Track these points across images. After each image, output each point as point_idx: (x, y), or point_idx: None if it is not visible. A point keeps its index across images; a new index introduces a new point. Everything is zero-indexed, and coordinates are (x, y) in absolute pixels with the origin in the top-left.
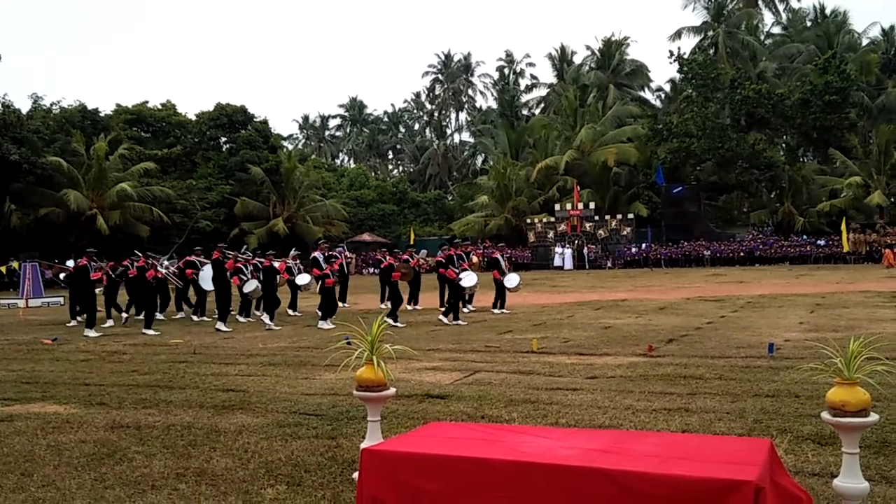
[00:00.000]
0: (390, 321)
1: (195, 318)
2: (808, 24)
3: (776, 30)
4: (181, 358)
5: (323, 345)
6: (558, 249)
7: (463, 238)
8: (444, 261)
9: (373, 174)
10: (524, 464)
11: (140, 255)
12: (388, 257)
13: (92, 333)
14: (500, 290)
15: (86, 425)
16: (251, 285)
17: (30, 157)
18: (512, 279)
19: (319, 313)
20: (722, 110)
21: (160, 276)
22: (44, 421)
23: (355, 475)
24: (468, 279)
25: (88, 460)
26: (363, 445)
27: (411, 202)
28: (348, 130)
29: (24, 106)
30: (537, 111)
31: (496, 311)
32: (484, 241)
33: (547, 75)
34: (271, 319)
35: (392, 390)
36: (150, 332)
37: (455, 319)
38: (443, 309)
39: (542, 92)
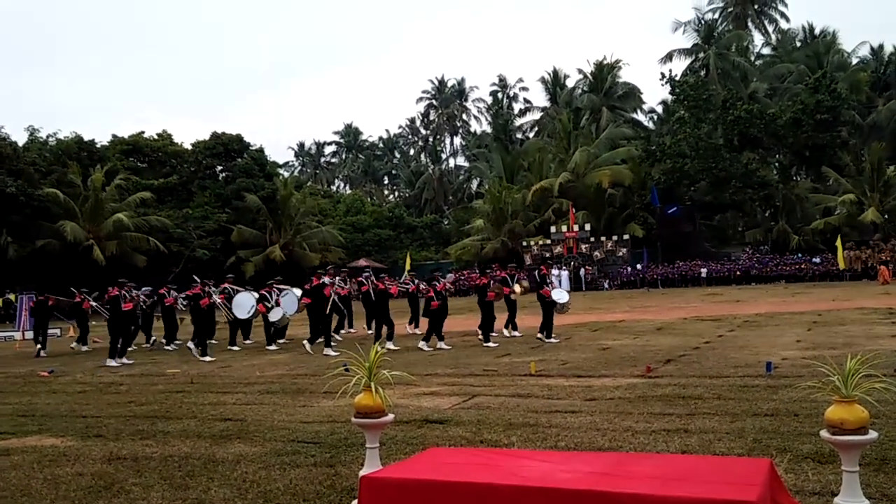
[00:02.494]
0: (490, 344)
1: (233, 348)
2: (798, 44)
3: (766, 50)
4: (178, 388)
5: (321, 372)
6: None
7: (552, 258)
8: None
9: (369, 200)
10: (524, 488)
11: (198, 281)
12: (479, 277)
13: (113, 363)
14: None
15: (83, 458)
16: (277, 313)
17: (26, 189)
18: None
19: (418, 331)
20: (714, 131)
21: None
22: (40, 454)
23: (354, 503)
24: (560, 295)
25: (86, 493)
26: (362, 473)
27: (407, 227)
28: (344, 157)
29: (21, 138)
30: (531, 134)
31: (548, 339)
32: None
33: (540, 99)
34: (390, 339)
35: (390, 416)
36: (207, 358)
37: (549, 337)
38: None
39: (536, 115)
